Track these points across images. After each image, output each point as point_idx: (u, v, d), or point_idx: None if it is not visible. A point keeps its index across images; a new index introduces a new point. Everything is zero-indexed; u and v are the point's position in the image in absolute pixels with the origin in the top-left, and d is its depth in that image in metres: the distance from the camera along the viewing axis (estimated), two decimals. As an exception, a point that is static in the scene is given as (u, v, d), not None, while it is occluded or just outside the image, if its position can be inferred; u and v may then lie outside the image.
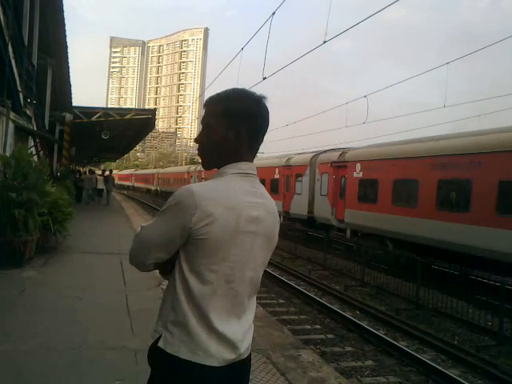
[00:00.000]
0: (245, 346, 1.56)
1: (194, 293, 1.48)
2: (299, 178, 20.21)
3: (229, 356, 1.50)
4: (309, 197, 19.24)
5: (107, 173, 29.32)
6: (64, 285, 6.75)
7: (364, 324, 8.11)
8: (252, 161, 1.65)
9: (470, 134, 11.85)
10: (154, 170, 63.21)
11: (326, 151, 19.89)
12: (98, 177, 27.21)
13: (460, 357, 6.85)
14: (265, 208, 1.58)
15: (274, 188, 21.91)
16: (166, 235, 1.50)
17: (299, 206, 19.94)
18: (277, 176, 22.18)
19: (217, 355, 1.47)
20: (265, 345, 4.78)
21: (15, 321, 4.94)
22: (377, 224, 14.36)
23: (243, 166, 1.58)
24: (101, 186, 26.03)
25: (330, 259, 13.59)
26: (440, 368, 6.25)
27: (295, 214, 20.43)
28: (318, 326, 8.27)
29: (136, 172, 77.90)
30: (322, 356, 6.19)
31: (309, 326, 8.23)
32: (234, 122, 1.58)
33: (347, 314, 8.68)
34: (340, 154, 17.57)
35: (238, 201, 1.50)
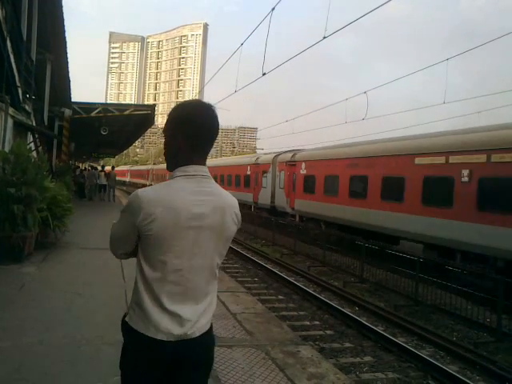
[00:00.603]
0: (196, 326, 1.79)
1: (147, 279, 1.77)
2: (265, 175, 24.10)
3: (177, 332, 1.74)
4: (271, 190, 23.21)
5: (108, 168, 29.83)
6: (63, 280, 6.75)
7: (363, 320, 8.12)
8: (202, 163, 1.85)
9: (371, 142, 16.20)
10: (149, 166, 65.88)
11: (284, 152, 23.54)
12: (100, 173, 27.38)
13: (458, 353, 6.88)
14: (211, 204, 1.79)
15: (246, 182, 26.20)
16: (123, 232, 1.83)
17: (264, 197, 23.93)
18: (248, 172, 26.11)
19: (165, 331, 1.73)
20: (264, 341, 4.78)
21: (14, 316, 4.94)
22: (315, 210, 18.57)
23: (189, 168, 1.80)
24: (103, 181, 26.21)
25: (329, 255, 13.61)
26: (439, 364, 6.27)
27: (262, 203, 24.28)
28: (317, 322, 8.28)
29: (132, 168, 78.65)
30: (321, 352, 6.19)
31: (308, 322, 8.25)
32: (173, 128, 1.84)
33: (346, 311, 8.70)
34: (292, 155, 21.43)
35: (179, 200, 1.73)
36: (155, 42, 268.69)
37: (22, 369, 3.65)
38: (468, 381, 5.81)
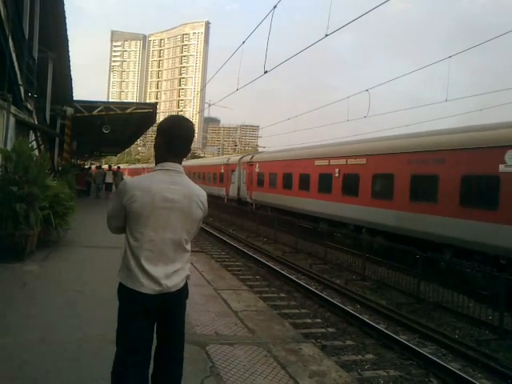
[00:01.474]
0: (170, 284, 2.40)
1: (131, 246, 2.42)
2: (233, 173, 29.79)
3: (156, 288, 2.36)
4: (238, 184, 28.98)
5: (115, 167, 31.33)
6: (65, 278, 6.76)
7: (365, 318, 8.12)
8: (178, 162, 2.51)
9: (294, 149, 22.95)
10: (145, 165, 70.98)
11: (246, 155, 30.34)
12: (108, 171, 27.74)
13: (460, 351, 6.87)
14: (180, 192, 2.43)
15: (221, 179, 32.52)
16: (115, 210, 2.49)
17: (233, 191, 29.78)
18: (222, 171, 32.32)
19: (147, 286, 2.36)
20: (266, 338, 4.79)
21: (16, 314, 4.96)
22: (264, 199, 24.35)
23: (166, 165, 2.46)
24: (109, 180, 26.51)
25: (330, 253, 13.61)
26: (440, 362, 6.27)
27: (231, 196, 30.19)
28: (318, 320, 8.29)
29: (129, 166, 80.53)
30: (323, 350, 6.20)
31: (310, 320, 8.25)
32: (158, 135, 2.54)
33: (348, 308, 8.70)
34: (250, 157, 27.70)
35: (154, 187, 2.38)
36: (157, 41, 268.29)
37: (24, 366, 3.66)
38: (470, 378, 5.81)
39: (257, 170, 25.48)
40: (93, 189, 27.08)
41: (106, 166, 30.75)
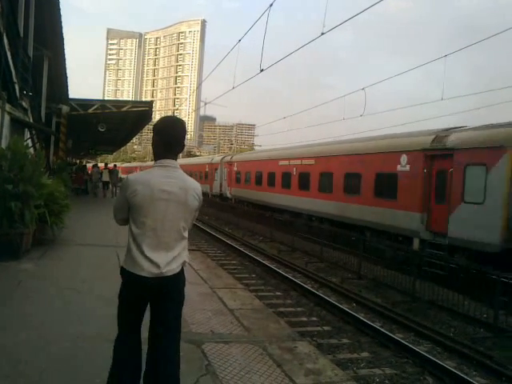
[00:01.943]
0: (167, 268, 2.65)
1: (134, 234, 2.70)
2: (216, 171, 33.40)
3: (154, 271, 2.63)
4: (220, 182, 32.61)
5: (111, 166, 30.88)
6: (61, 277, 6.74)
7: (360, 316, 8.14)
8: (173, 158, 2.78)
9: (263, 151, 29.44)
10: (138, 164, 75.00)
11: (227, 155, 34.64)
12: (104, 170, 27.67)
13: (456, 349, 6.91)
14: (176, 185, 2.70)
15: (206, 177, 35.81)
16: (119, 203, 2.80)
17: (216, 188, 33.33)
18: (207, 170, 35.89)
19: (146, 270, 2.62)
20: (261, 337, 4.79)
21: (12, 313, 4.94)
22: (241, 194, 28.00)
23: (163, 161, 2.75)
24: (106, 178, 26.50)
25: (326, 252, 13.64)
26: (436, 360, 6.30)
27: (214, 192, 33.58)
28: (314, 318, 8.31)
29: (123, 165, 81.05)
30: (319, 348, 6.19)
31: (305, 318, 8.27)
32: (154, 135, 2.82)
33: (344, 307, 8.72)
34: (230, 158, 31.66)
35: (153, 181, 2.67)
36: (153, 39, 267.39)
37: (19, 365, 3.65)
38: (465, 376, 5.84)
39: (235, 169, 29.16)
40: (90, 187, 27.05)
41: (102, 165, 30.74)
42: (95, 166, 31.85)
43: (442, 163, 11.97)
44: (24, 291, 5.83)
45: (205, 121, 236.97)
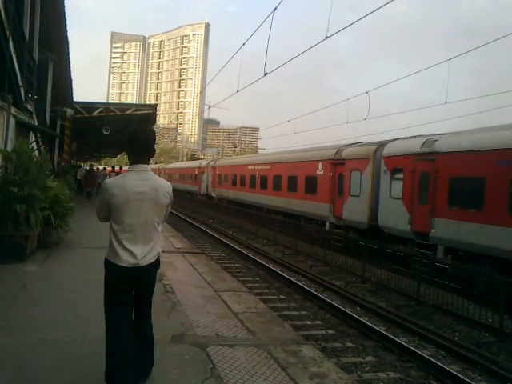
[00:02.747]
0: (144, 259, 3.11)
1: (114, 230, 3.14)
2: (203, 174, 38.61)
3: (132, 261, 3.08)
4: (206, 183, 37.84)
5: (117, 169, 32.83)
6: (65, 279, 6.76)
7: (364, 320, 8.12)
8: (146, 163, 3.21)
9: (238, 158, 41.11)
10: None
11: (212, 161, 41.41)
12: (111, 173, 27.84)
13: (460, 353, 6.87)
14: (148, 185, 3.12)
15: (195, 179, 41.26)
16: (100, 204, 3.22)
17: (203, 188, 38.58)
18: (196, 173, 41.18)
19: (125, 260, 3.07)
20: (266, 340, 4.78)
21: (17, 315, 4.96)
22: (221, 194, 33.03)
23: (136, 166, 3.17)
24: None
25: (330, 255, 13.61)
26: (440, 364, 6.27)
27: (202, 192, 38.63)
28: (318, 322, 8.29)
29: (123, 168, 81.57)
30: (323, 351, 6.18)
31: (309, 322, 8.25)
32: (128, 143, 3.24)
33: (348, 310, 8.70)
34: (214, 163, 37.10)
35: (127, 184, 3.09)
36: (157, 42, 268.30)
37: (25, 366, 3.66)
38: (470, 381, 5.81)
39: (217, 172, 34.49)
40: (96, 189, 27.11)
41: (109, 168, 31.63)
42: (104, 169, 32.22)
43: (340, 169, 16.94)
44: (29, 293, 5.85)
45: (208, 124, 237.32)
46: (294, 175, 20.64)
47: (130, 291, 3.25)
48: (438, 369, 6.17)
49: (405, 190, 13.01)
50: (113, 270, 3.13)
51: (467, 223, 10.65)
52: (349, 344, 7.22)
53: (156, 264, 3.25)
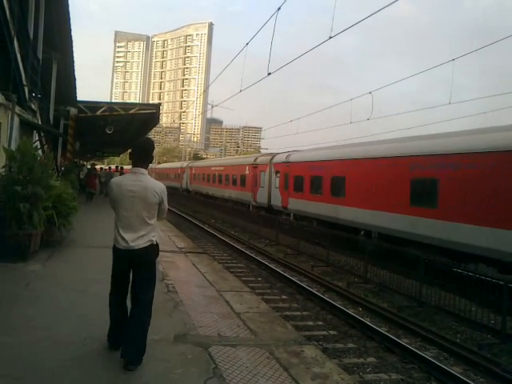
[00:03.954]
0: (134, 243, 3.81)
1: (115, 219, 3.93)
2: (184, 173, 46.50)
3: (124, 244, 3.82)
4: (186, 180, 45.66)
5: (120, 169, 32.35)
6: (68, 278, 6.78)
7: (366, 321, 8.12)
8: (144, 167, 3.97)
9: (222, 159, 49.81)
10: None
11: (191, 162, 50.30)
12: (116, 172, 27.88)
13: (462, 354, 6.87)
14: (140, 186, 3.84)
15: (177, 177, 49.73)
16: (109, 197, 4.13)
17: (184, 185, 46.18)
18: (179, 172, 49.18)
19: (121, 244, 3.84)
20: (268, 340, 4.79)
21: (20, 314, 4.98)
22: (197, 189, 40.93)
23: (135, 169, 3.93)
24: None
25: (332, 256, 13.60)
26: (442, 365, 6.27)
27: (183, 187, 46.50)
28: (320, 323, 8.30)
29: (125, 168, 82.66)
30: (325, 352, 6.18)
31: (311, 322, 8.26)
32: (131, 150, 4.07)
33: (350, 311, 8.70)
34: (192, 163, 46.06)
35: (123, 182, 3.90)
36: (160, 41, 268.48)
37: (28, 366, 3.68)
38: (471, 382, 5.81)
39: (193, 171, 42.99)
40: (100, 188, 26.98)
41: (114, 167, 32.17)
42: (109, 168, 32.66)
43: (256, 170, 25.86)
44: (32, 292, 5.87)
45: (211, 123, 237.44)
46: (235, 174, 29.67)
47: (128, 271, 3.93)
48: (440, 370, 6.16)
49: (280, 183, 22.46)
50: (114, 251, 3.93)
51: (299, 200, 19.96)
52: (351, 345, 7.23)
53: (148, 249, 3.88)
